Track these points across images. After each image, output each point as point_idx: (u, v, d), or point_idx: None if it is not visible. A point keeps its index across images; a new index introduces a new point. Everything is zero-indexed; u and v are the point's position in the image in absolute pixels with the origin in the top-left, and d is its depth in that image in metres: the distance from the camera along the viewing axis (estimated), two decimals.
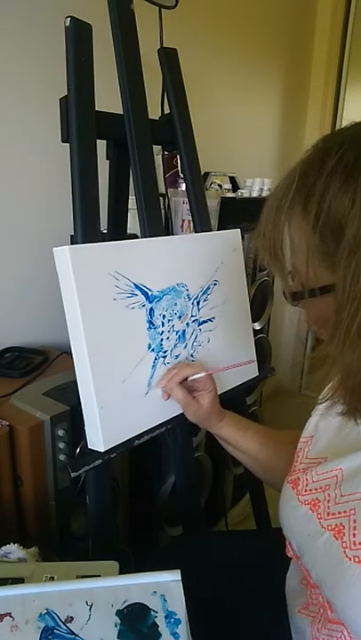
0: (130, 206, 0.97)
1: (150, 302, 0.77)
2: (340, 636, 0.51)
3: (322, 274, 0.47)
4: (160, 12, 0.93)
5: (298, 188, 0.47)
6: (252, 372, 1.00)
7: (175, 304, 0.82)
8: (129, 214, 1.00)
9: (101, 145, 0.81)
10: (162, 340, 0.80)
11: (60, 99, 0.73)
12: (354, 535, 0.47)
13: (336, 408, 0.57)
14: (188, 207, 0.98)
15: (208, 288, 0.88)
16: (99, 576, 0.55)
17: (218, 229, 1.21)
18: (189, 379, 0.80)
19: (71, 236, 0.75)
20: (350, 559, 0.46)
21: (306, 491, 0.55)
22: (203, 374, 0.80)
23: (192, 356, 0.87)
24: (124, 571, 0.56)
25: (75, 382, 0.71)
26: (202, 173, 0.99)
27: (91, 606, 0.49)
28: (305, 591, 0.60)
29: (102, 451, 0.71)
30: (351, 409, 0.52)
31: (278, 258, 0.50)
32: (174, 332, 0.83)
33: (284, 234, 0.49)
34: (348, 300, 0.44)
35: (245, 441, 0.80)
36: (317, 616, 0.56)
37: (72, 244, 0.69)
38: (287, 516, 0.57)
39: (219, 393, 0.92)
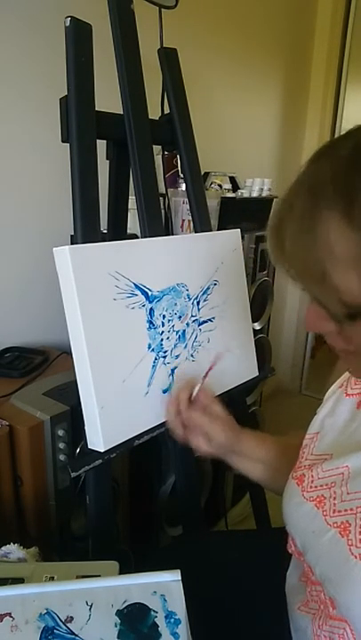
0: (130, 206, 0.97)
1: (150, 302, 0.77)
2: (343, 633, 0.51)
3: None
4: (160, 11, 0.93)
5: (335, 191, 0.40)
6: (252, 371, 1.00)
7: (175, 304, 0.82)
8: (129, 214, 1.00)
9: (101, 145, 0.81)
10: (162, 340, 0.80)
11: (60, 99, 0.73)
12: (360, 533, 0.47)
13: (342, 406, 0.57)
14: (188, 207, 0.98)
15: (208, 288, 0.88)
16: (99, 576, 0.55)
17: (218, 229, 1.21)
18: (193, 394, 0.74)
19: (71, 236, 0.75)
20: (356, 557, 0.46)
21: (311, 487, 0.55)
22: (199, 386, 0.74)
23: (192, 356, 0.87)
24: (124, 571, 0.56)
25: (75, 382, 0.71)
26: (202, 173, 0.99)
27: (91, 606, 0.49)
28: (304, 588, 0.60)
29: (102, 451, 0.71)
30: None
31: (313, 274, 0.42)
32: (174, 332, 0.83)
33: (319, 244, 0.41)
34: None
35: (268, 451, 0.74)
36: (318, 613, 0.56)
37: (72, 243, 0.69)
38: (291, 513, 0.57)
39: (219, 393, 0.93)
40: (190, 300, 0.85)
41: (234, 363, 0.96)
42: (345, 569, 0.47)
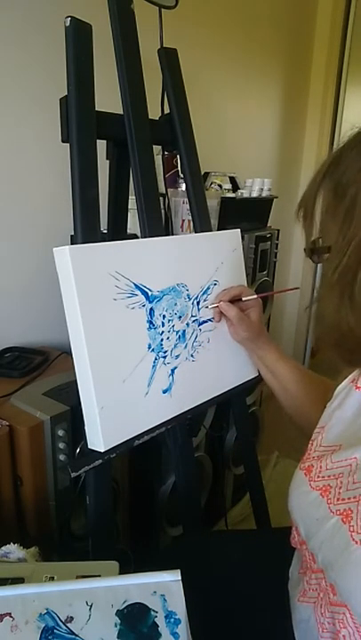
0: (130, 206, 0.97)
1: (150, 302, 0.77)
2: (343, 617, 0.52)
3: (331, 232, 0.51)
4: (160, 11, 0.93)
5: (333, 160, 0.52)
6: (252, 372, 1.00)
7: (175, 304, 0.82)
8: (129, 214, 1.00)
9: (101, 145, 0.81)
10: (162, 340, 0.80)
11: (60, 99, 0.73)
12: None
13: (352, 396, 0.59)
14: (188, 207, 0.98)
15: (208, 288, 0.88)
16: (99, 576, 0.55)
17: (218, 229, 1.21)
18: (244, 299, 0.87)
19: (71, 236, 0.75)
20: (357, 542, 0.47)
21: (318, 477, 0.56)
22: (255, 296, 0.87)
23: (192, 356, 0.87)
24: (124, 571, 0.56)
25: (75, 382, 0.71)
26: (202, 173, 0.99)
27: (91, 606, 0.49)
28: (302, 579, 0.61)
29: (102, 451, 0.71)
30: (346, 361, 0.56)
31: (308, 220, 0.55)
32: (174, 332, 0.83)
33: (317, 198, 0.53)
34: (338, 253, 0.49)
35: (285, 370, 0.85)
36: (318, 601, 0.57)
37: (72, 244, 0.69)
38: (297, 501, 0.58)
39: (218, 393, 0.93)
40: (190, 299, 0.85)
41: (234, 363, 0.96)
42: (346, 554, 0.48)
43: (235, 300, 0.87)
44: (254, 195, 1.44)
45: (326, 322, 0.52)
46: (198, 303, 0.87)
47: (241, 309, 0.87)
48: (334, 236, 0.50)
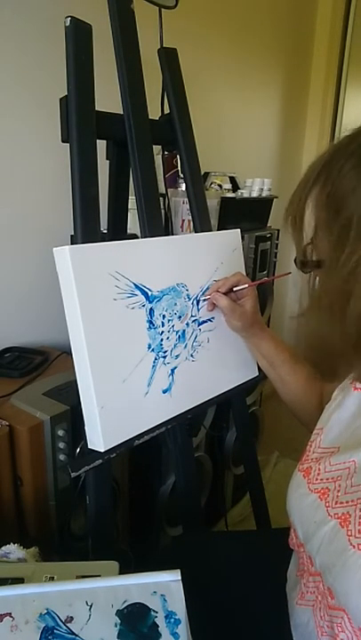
0: (130, 206, 0.97)
1: (150, 302, 0.77)
2: (341, 622, 0.52)
3: (323, 247, 0.50)
4: (160, 11, 0.93)
5: (323, 167, 0.50)
6: (252, 372, 1.00)
7: (175, 304, 0.82)
8: (129, 214, 1.00)
9: (101, 145, 0.81)
10: (162, 339, 0.80)
11: (60, 99, 0.73)
12: (360, 524, 0.48)
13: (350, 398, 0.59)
14: (188, 207, 0.98)
15: (208, 288, 0.88)
16: (99, 576, 0.55)
17: (218, 229, 1.21)
18: (235, 289, 0.85)
19: (71, 236, 0.75)
20: (354, 547, 0.47)
21: (317, 480, 0.56)
22: (247, 285, 0.84)
23: (192, 356, 0.87)
24: (124, 571, 0.56)
25: (75, 382, 0.71)
26: (202, 173, 0.99)
27: (91, 606, 0.49)
28: (300, 582, 0.61)
29: (102, 451, 0.71)
30: (326, 372, 0.56)
31: (297, 228, 0.54)
32: (174, 332, 0.83)
33: (306, 206, 0.51)
34: (331, 271, 0.48)
35: (280, 359, 0.86)
36: (316, 604, 0.57)
37: (72, 244, 0.69)
38: (296, 504, 0.58)
39: (218, 393, 0.93)
40: (190, 299, 0.85)
41: (234, 363, 0.96)
42: (343, 558, 0.48)
43: (228, 290, 0.86)
44: (254, 195, 1.44)
45: (309, 340, 0.52)
46: (198, 303, 0.87)
47: (237, 298, 0.86)
48: (327, 252, 0.49)
